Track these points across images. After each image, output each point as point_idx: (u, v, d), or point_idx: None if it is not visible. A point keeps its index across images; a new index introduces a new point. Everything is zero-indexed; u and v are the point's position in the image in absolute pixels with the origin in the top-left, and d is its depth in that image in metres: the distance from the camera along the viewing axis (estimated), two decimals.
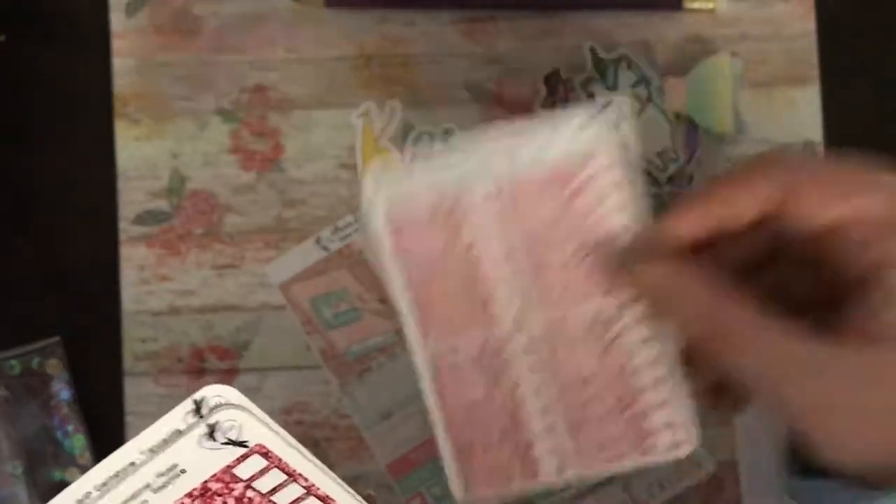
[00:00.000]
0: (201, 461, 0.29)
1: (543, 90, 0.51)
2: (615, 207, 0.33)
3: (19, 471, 0.50)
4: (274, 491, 0.30)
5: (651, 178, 0.51)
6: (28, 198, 0.52)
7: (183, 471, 0.29)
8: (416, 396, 0.51)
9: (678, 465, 0.50)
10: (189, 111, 0.52)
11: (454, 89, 0.52)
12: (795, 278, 0.34)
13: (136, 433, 0.51)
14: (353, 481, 0.52)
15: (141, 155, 0.52)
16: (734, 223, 0.32)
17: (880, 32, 0.52)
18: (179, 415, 0.29)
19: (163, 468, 0.29)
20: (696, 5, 0.51)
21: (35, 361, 0.51)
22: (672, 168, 0.50)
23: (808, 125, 0.51)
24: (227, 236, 0.52)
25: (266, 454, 0.30)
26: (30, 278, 0.52)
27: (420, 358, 0.36)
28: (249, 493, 0.30)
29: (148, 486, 0.29)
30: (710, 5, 0.51)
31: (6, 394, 0.50)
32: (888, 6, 0.52)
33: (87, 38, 0.52)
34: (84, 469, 0.51)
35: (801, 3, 0.52)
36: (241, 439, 0.29)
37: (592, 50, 0.50)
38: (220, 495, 0.30)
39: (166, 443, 0.29)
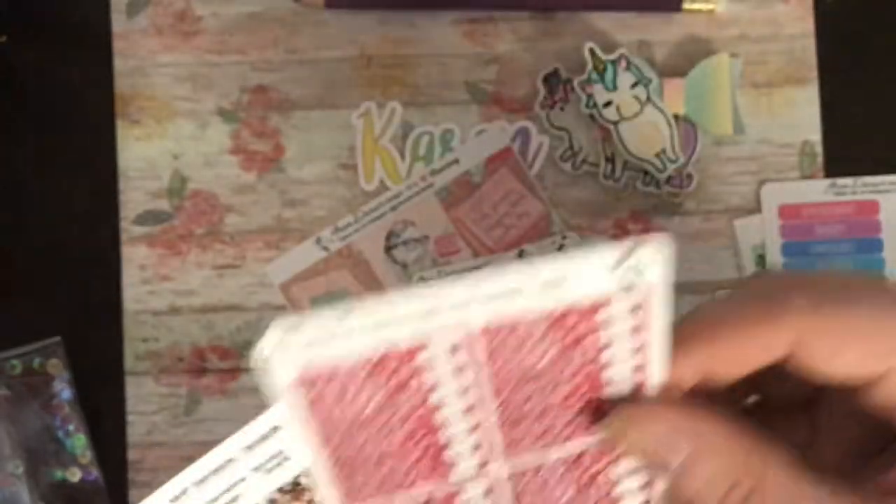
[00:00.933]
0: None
1: (543, 90, 0.51)
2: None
3: (20, 470, 0.50)
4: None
5: (650, 178, 0.51)
6: (29, 198, 0.52)
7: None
8: None
9: None
10: (190, 112, 0.52)
11: (454, 90, 0.52)
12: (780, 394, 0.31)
13: (137, 432, 0.51)
14: None
15: (142, 155, 0.52)
16: (736, 374, 0.29)
17: (878, 33, 0.52)
18: (599, 257, 0.26)
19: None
20: (695, 6, 0.51)
21: (36, 361, 0.51)
22: (671, 168, 0.50)
23: (807, 125, 0.52)
24: (228, 236, 0.52)
25: (638, 308, 0.27)
26: (31, 278, 0.52)
27: None
28: (588, 338, 0.27)
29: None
30: (710, 6, 0.51)
31: (7, 393, 0.50)
32: (886, 7, 0.52)
33: (88, 38, 0.52)
34: (85, 468, 0.51)
35: (799, 4, 0.52)
36: (637, 280, 0.26)
37: (592, 51, 0.50)
38: (571, 328, 0.27)
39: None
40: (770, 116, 0.52)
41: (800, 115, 0.52)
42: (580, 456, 0.30)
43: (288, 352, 0.25)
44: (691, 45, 0.52)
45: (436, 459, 0.29)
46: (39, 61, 0.53)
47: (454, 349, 0.27)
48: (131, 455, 0.52)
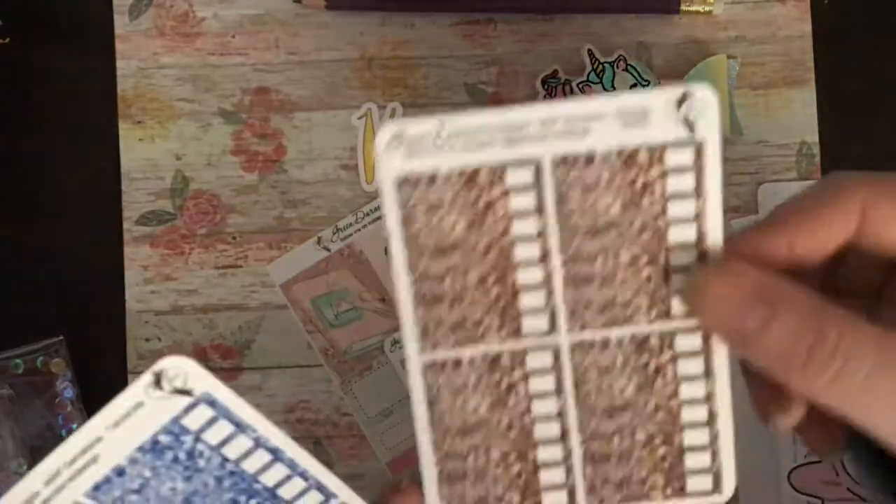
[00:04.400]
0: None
1: (542, 92, 0.51)
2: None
3: (23, 469, 0.50)
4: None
5: None
6: (32, 198, 0.53)
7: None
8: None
9: None
10: (192, 113, 0.52)
11: (454, 91, 0.52)
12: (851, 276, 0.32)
13: None
14: (353, 479, 0.52)
15: (144, 156, 0.52)
16: (817, 253, 0.30)
17: (876, 34, 0.52)
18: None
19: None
20: (692, 8, 0.51)
21: (39, 360, 0.51)
22: None
23: (804, 127, 0.52)
24: (230, 237, 0.52)
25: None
26: (34, 278, 0.52)
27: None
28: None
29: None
30: (707, 8, 0.51)
31: (11, 392, 0.51)
32: (883, 8, 0.52)
33: (91, 40, 0.53)
34: None
35: (797, 6, 0.52)
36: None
37: (590, 52, 0.50)
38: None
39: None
40: (767, 117, 0.52)
41: (797, 116, 0.52)
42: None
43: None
44: (689, 46, 0.52)
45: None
46: (42, 62, 0.53)
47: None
48: None
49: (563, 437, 0.31)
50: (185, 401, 0.30)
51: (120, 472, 0.30)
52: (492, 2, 0.52)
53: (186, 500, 0.31)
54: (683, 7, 0.51)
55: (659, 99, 0.28)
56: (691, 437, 0.31)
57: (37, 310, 0.52)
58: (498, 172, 0.29)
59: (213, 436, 0.30)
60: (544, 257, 0.30)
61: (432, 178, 0.29)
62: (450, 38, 0.52)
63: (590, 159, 0.29)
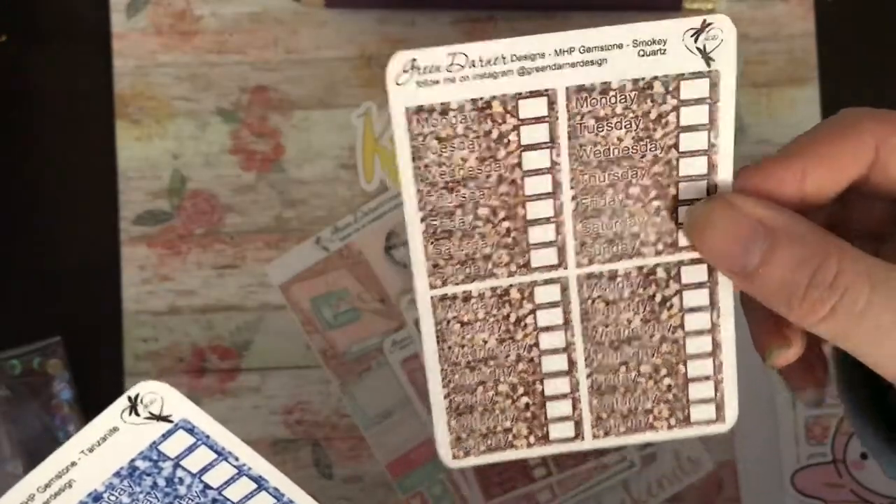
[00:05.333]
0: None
1: None
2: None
3: (20, 471, 0.50)
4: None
5: None
6: (29, 198, 0.53)
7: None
8: (416, 396, 0.51)
9: (678, 464, 0.50)
10: (190, 112, 0.52)
11: None
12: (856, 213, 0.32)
13: None
14: (352, 481, 0.52)
15: (142, 155, 0.52)
16: (829, 187, 0.30)
17: (879, 33, 0.52)
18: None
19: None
20: (695, 6, 0.51)
21: (36, 361, 0.51)
22: None
23: (807, 125, 0.51)
24: (228, 236, 0.52)
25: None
26: (31, 278, 0.52)
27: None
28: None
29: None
30: (710, 6, 0.51)
31: (7, 394, 0.51)
32: (886, 7, 0.52)
33: (88, 39, 0.53)
34: None
35: (800, 4, 0.52)
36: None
37: None
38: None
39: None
40: (770, 116, 0.52)
41: (800, 115, 0.52)
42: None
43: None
44: None
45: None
46: (39, 61, 0.53)
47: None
48: None
49: (570, 369, 0.31)
50: (163, 426, 0.29)
51: (97, 497, 0.29)
52: None
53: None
54: (686, 5, 0.51)
55: (677, 29, 0.29)
56: (695, 368, 0.32)
57: (34, 310, 0.52)
58: (511, 103, 0.29)
59: (193, 463, 0.30)
60: (555, 191, 0.30)
61: (444, 110, 0.29)
62: (450, 36, 0.52)
63: (605, 90, 0.29)
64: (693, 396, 0.32)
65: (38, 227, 0.52)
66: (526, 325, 0.31)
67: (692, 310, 0.31)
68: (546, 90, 0.29)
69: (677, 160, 0.30)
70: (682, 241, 0.30)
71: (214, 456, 0.29)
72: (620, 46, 0.29)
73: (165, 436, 0.29)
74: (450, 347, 0.31)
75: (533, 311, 0.31)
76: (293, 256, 0.52)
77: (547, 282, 0.31)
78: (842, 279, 0.27)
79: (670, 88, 0.29)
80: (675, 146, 0.29)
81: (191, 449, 0.29)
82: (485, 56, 0.28)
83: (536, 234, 0.30)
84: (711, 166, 0.30)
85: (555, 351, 0.32)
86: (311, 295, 0.52)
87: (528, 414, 0.32)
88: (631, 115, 0.29)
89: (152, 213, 0.52)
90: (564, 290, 0.31)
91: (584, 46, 0.28)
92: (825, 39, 0.52)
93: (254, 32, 0.52)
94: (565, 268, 0.31)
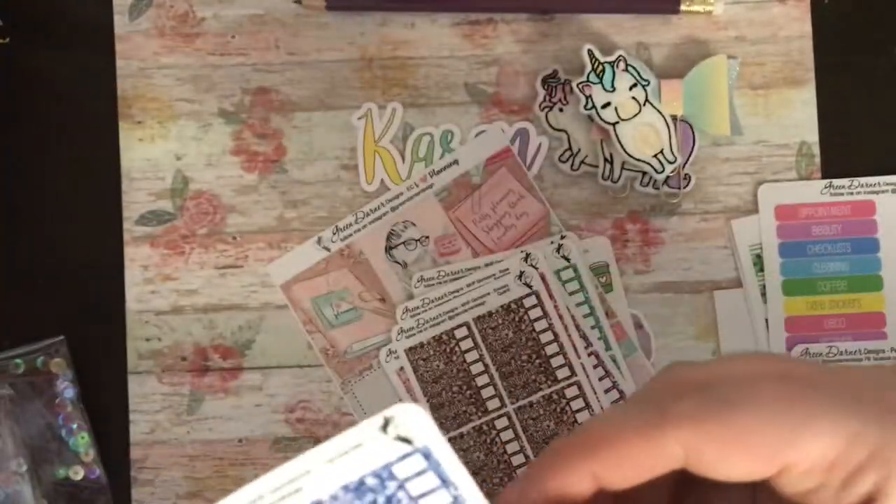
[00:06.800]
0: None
1: (542, 92, 0.51)
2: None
3: (24, 469, 0.50)
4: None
5: (648, 179, 0.51)
6: (33, 199, 0.53)
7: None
8: (413, 401, 0.52)
9: None
10: (192, 113, 0.52)
11: (454, 91, 0.52)
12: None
13: (140, 431, 0.52)
14: None
15: (144, 156, 0.52)
16: (633, 481, 0.28)
17: (875, 34, 0.52)
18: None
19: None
20: (692, 8, 0.51)
21: (39, 360, 0.51)
22: (669, 169, 0.51)
23: (804, 127, 0.52)
24: (230, 236, 0.52)
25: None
26: (35, 278, 0.52)
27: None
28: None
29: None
30: (707, 8, 0.51)
31: (11, 392, 0.51)
32: (883, 8, 0.52)
33: (90, 40, 0.53)
34: (88, 467, 0.51)
35: (797, 6, 0.52)
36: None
37: (590, 52, 0.50)
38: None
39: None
40: (767, 117, 0.52)
41: (797, 116, 0.52)
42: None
43: None
44: (689, 46, 0.52)
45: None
46: (42, 63, 0.53)
47: None
48: (134, 454, 0.52)
49: (521, 448, 0.49)
50: (404, 449, 0.28)
51: None
52: (492, 1, 0.52)
53: None
54: (683, 7, 0.51)
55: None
56: None
57: (37, 310, 0.52)
58: None
59: (416, 487, 0.29)
60: None
61: None
62: (450, 38, 0.52)
63: None
64: None
65: (42, 227, 0.53)
66: (496, 441, 0.50)
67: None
68: None
69: None
70: None
71: (438, 483, 0.29)
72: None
73: (402, 458, 0.29)
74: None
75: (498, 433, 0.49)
76: (295, 256, 0.52)
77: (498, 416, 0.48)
78: None
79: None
80: None
81: (419, 474, 0.29)
82: None
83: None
84: None
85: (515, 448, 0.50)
86: (313, 294, 0.52)
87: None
88: None
89: (155, 214, 0.52)
90: (510, 418, 0.48)
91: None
92: (822, 41, 0.52)
93: (255, 34, 0.52)
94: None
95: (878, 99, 0.52)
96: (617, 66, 0.50)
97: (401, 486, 0.29)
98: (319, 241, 0.52)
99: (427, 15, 0.52)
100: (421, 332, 0.51)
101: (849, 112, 0.52)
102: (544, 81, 0.51)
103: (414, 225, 0.52)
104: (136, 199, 0.52)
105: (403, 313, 0.51)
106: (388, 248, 0.52)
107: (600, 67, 0.50)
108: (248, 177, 0.52)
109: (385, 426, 0.28)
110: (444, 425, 0.51)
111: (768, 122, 0.52)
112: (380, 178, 0.52)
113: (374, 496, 0.29)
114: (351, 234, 0.52)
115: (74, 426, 0.51)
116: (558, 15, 0.52)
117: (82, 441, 0.51)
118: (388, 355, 0.51)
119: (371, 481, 0.29)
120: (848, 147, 0.52)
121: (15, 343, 0.52)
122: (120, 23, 0.52)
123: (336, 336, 0.52)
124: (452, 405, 0.51)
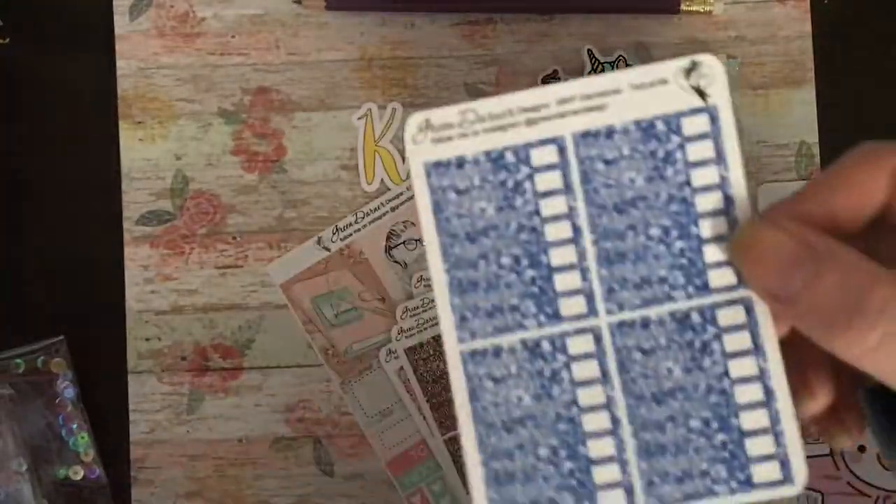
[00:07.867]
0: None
1: None
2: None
3: (24, 468, 0.50)
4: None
5: None
6: (33, 198, 0.53)
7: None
8: (412, 403, 0.52)
9: None
10: (192, 113, 0.52)
11: (454, 91, 0.52)
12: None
13: (139, 431, 0.52)
14: (353, 478, 0.52)
15: (145, 156, 0.52)
16: (852, 218, 0.29)
17: (875, 34, 0.52)
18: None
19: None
20: (692, 8, 0.51)
21: (40, 360, 0.51)
22: None
23: (804, 127, 0.52)
24: (230, 236, 0.52)
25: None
26: (35, 278, 0.52)
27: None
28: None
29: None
30: (707, 8, 0.51)
31: (11, 392, 0.51)
32: (883, 8, 0.52)
33: (90, 40, 0.53)
34: (88, 466, 0.51)
35: (797, 6, 0.52)
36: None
37: (590, 52, 0.50)
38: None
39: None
40: (767, 118, 0.52)
41: (797, 116, 0.52)
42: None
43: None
44: (689, 46, 0.52)
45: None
46: (42, 63, 0.53)
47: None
48: (134, 453, 0.52)
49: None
50: (696, 102, 0.30)
51: (609, 133, 0.30)
52: (492, 2, 0.52)
53: (635, 197, 0.30)
54: (683, 7, 0.51)
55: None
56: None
57: (37, 309, 0.52)
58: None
59: (694, 152, 0.30)
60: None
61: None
62: (450, 38, 0.52)
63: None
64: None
65: (42, 227, 0.53)
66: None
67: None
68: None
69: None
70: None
71: (713, 156, 0.30)
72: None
73: (693, 112, 0.30)
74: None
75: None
76: (294, 256, 0.52)
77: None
78: (890, 309, 0.26)
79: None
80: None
81: (701, 137, 0.30)
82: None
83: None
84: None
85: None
86: (313, 294, 0.52)
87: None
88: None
89: (155, 214, 0.52)
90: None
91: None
92: (822, 41, 0.52)
93: (255, 34, 0.52)
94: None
95: (877, 98, 0.52)
96: (617, 67, 0.50)
97: (682, 146, 0.30)
98: (319, 240, 0.52)
99: (427, 15, 0.52)
100: (421, 332, 0.51)
101: (848, 112, 0.52)
102: (544, 81, 0.51)
103: (414, 225, 0.52)
104: (136, 199, 0.52)
105: (403, 313, 0.51)
106: (388, 248, 0.52)
107: (600, 67, 0.50)
108: (248, 177, 0.52)
109: (689, 71, 0.30)
110: (444, 425, 0.51)
111: (768, 123, 0.52)
112: (380, 178, 0.52)
113: (658, 145, 0.30)
114: (351, 234, 0.52)
115: (74, 426, 0.51)
116: (558, 15, 0.52)
117: (82, 441, 0.51)
118: (388, 355, 0.51)
119: (660, 127, 0.30)
120: (848, 147, 0.52)
121: (15, 343, 0.52)
122: (120, 23, 0.53)
123: (336, 336, 0.52)
124: (452, 405, 0.49)
